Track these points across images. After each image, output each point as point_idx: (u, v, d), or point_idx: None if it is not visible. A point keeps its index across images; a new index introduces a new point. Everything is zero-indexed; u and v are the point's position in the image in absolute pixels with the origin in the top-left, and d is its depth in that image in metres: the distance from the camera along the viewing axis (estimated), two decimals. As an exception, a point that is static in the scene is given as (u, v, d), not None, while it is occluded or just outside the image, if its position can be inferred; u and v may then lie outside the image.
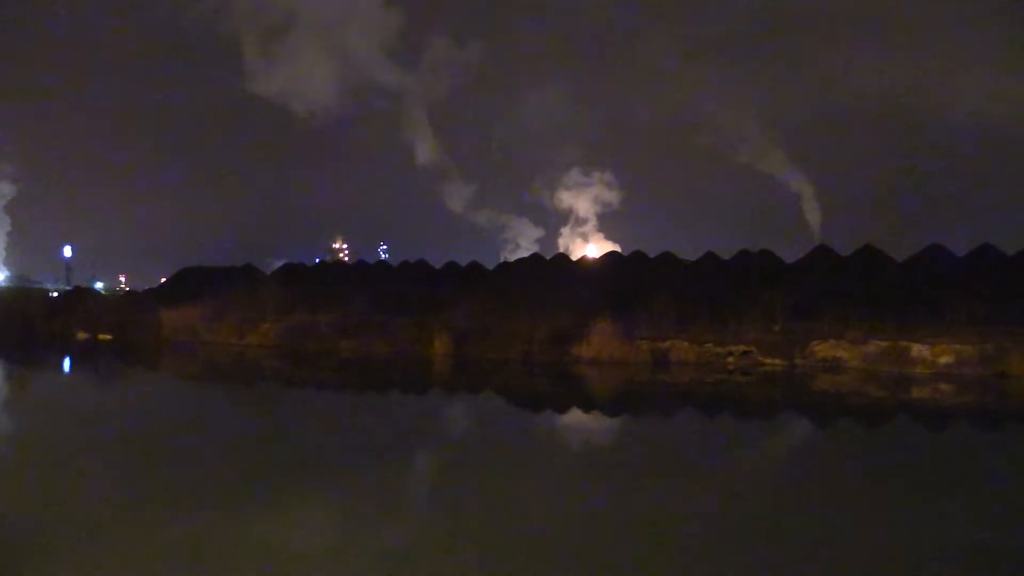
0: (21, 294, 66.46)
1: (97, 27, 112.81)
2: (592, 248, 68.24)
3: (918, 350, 32.57)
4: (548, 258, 50.34)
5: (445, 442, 18.30)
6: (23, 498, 11.58)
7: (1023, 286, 34.25)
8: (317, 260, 73.73)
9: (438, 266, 50.88)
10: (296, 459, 14.89)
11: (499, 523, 10.60)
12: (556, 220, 73.55)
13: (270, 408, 23.66)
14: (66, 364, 38.62)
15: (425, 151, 75.81)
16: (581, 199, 71.83)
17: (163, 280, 70.35)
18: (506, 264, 52.60)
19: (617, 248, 62.47)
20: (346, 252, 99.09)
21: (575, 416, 22.81)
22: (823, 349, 34.22)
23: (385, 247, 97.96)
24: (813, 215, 69.00)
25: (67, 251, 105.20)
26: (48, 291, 75.83)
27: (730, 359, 35.00)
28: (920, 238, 45.15)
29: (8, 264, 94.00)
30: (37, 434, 17.95)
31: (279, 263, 61.51)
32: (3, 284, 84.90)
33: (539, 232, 74.34)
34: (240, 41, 74.22)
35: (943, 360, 32.01)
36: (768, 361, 34.49)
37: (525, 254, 60.30)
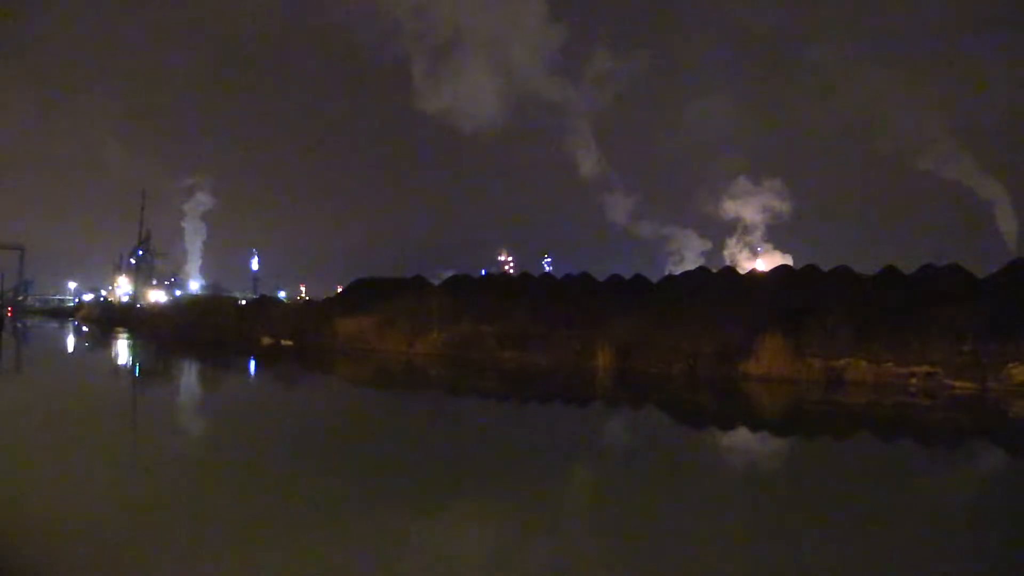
0: (214, 302, 71.91)
1: (282, 52, 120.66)
2: (760, 261, 65.90)
3: None
4: (714, 271, 49.04)
5: (606, 456, 18.08)
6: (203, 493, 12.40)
7: None
8: (483, 272, 75.34)
9: (601, 279, 50.62)
10: (461, 466, 15.16)
11: (657, 544, 10.31)
12: (722, 232, 71.56)
13: (436, 414, 24.31)
14: (252, 366, 41.41)
15: (588, 163, 75.90)
16: (749, 209, 69.56)
17: (339, 289, 73.97)
18: (671, 277, 51.64)
19: (788, 260, 60.01)
20: (511, 264, 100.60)
21: (741, 435, 22.00)
22: (1020, 372, 31.30)
23: (549, 259, 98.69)
24: (1008, 225, 63.57)
25: (254, 262, 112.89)
26: (237, 299, 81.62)
27: (913, 380, 32.66)
28: None
29: (203, 273, 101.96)
30: (224, 430, 19.33)
31: (447, 275, 63.22)
32: (199, 292, 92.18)
33: (705, 244, 72.66)
34: (409, 60, 77.19)
35: None
36: (956, 384, 31.91)
37: (691, 267, 59.05)
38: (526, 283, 54.55)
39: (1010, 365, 31.60)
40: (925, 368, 32.71)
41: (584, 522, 11.55)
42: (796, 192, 69.23)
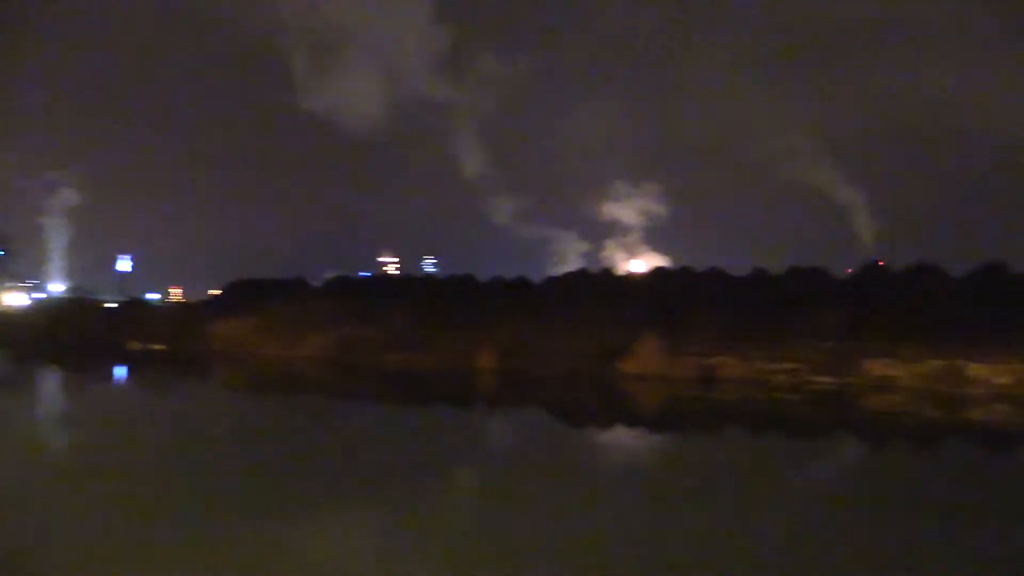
0: (78, 305, 68.19)
1: (158, 44, 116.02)
2: (638, 262, 67.92)
3: (975, 370, 31.65)
4: (594, 272, 50.16)
5: (487, 457, 18.23)
6: (58, 506, 11.81)
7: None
8: (366, 273, 74.46)
9: (485, 280, 50.92)
10: (336, 472, 14.95)
11: (540, 543, 10.48)
12: (602, 233, 73.31)
13: (314, 419, 23.78)
14: (119, 373, 39.48)
15: (473, 165, 76.29)
16: (627, 211, 71.59)
17: (215, 292, 71.55)
18: (553, 278, 52.44)
19: (664, 261, 62.06)
20: (395, 265, 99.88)
21: (619, 433, 22.61)
22: (875, 367, 33.44)
23: (433, 260, 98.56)
24: (865, 229, 67.73)
25: (122, 263, 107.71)
26: (103, 302, 77.59)
27: (779, 377, 34.40)
28: (979, 254, 43.65)
29: (67, 275, 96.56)
30: (85, 443, 18.35)
31: (329, 276, 62.08)
32: (62, 295, 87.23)
33: (586, 246, 74.18)
34: (292, 58, 75.68)
35: (1001, 380, 31.06)
36: (818, 379, 33.81)
37: (572, 268, 60.12)
38: (410, 284, 54.30)
39: (866, 361, 33.73)
40: (790, 365, 34.54)
41: (463, 524, 11.62)
42: (672, 195, 71.68)
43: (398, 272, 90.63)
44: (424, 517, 11.59)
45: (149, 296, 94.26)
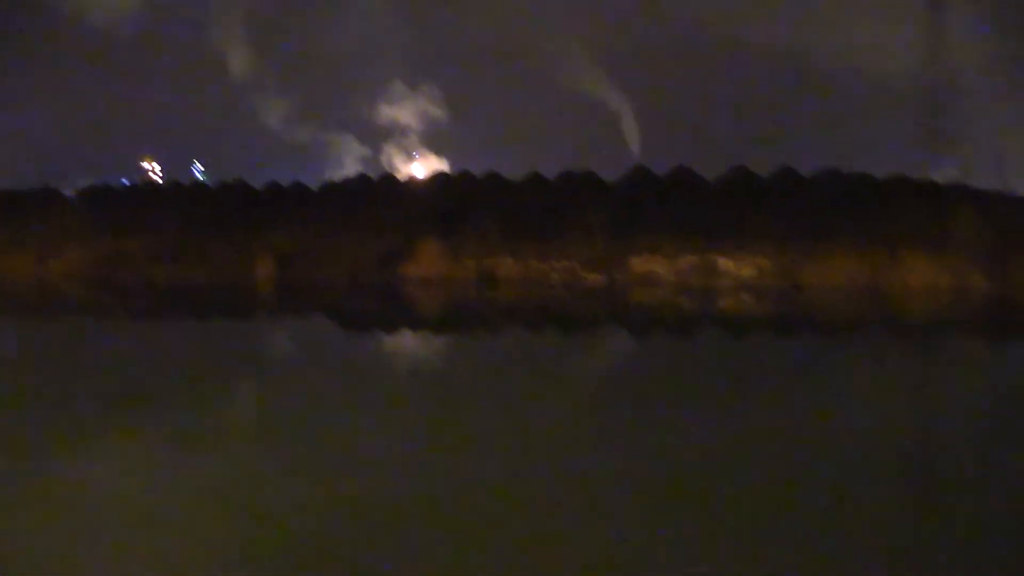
0: None
1: None
2: (418, 166, 67.77)
3: (724, 263, 34.93)
4: (374, 177, 49.45)
5: (270, 369, 17.93)
6: None
7: (818, 205, 37.24)
8: (125, 181, 68.80)
9: (258, 186, 48.73)
10: (108, 395, 14.14)
11: (328, 453, 10.57)
12: (380, 137, 72.05)
13: (75, 341, 22.14)
14: None
15: (239, 63, 71.79)
16: (406, 113, 70.74)
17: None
18: (331, 184, 51.15)
19: (443, 164, 62.43)
20: (157, 172, 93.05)
21: (403, 337, 22.95)
22: (639, 264, 35.98)
23: (200, 168, 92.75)
24: (632, 134, 71.30)
25: None
26: None
27: (553, 275, 36.13)
28: (728, 159, 47.14)
29: None
30: None
31: (82, 184, 56.83)
32: None
33: (364, 150, 72.64)
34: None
35: (746, 273, 34.55)
36: (589, 276, 35.89)
37: (350, 173, 58.84)
38: (176, 192, 50.93)
39: (631, 258, 36.19)
40: (563, 264, 36.38)
41: (245, 442, 11.48)
42: (451, 99, 71.38)
43: (162, 179, 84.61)
44: (194, 436, 11.31)
45: None
